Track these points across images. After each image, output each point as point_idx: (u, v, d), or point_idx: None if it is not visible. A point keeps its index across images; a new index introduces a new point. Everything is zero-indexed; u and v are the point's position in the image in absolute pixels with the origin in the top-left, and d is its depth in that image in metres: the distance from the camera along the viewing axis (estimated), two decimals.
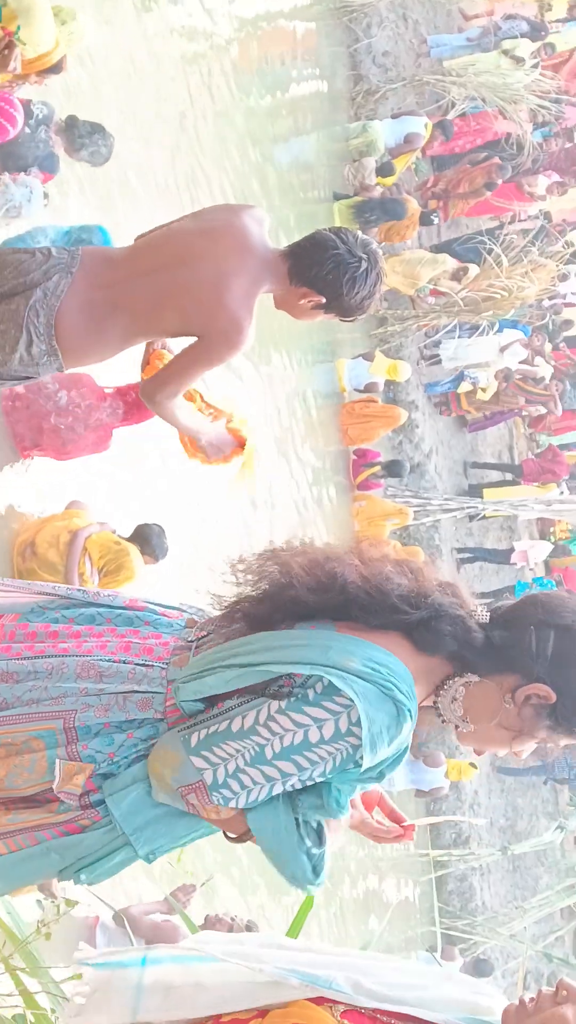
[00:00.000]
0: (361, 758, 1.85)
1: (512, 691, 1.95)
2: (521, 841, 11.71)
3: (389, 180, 11.01)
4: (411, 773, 10.18)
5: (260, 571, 2.04)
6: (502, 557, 13.21)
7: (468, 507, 12.15)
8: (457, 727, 2.00)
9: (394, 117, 11.43)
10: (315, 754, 1.86)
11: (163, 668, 2.02)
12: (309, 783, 1.91)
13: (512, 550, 13.20)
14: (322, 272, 2.98)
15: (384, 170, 10.78)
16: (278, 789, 1.90)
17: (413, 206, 11.12)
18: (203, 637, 2.07)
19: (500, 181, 12.39)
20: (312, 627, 1.96)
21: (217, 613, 2.14)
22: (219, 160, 7.30)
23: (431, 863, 10.71)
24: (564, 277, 13.40)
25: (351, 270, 2.98)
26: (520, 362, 12.70)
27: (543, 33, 13.53)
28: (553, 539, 14.02)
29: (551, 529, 14.27)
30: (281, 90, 9.26)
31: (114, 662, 2.02)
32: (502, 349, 12.45)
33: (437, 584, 2.00)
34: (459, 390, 12.49)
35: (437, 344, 12.24)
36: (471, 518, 12.80)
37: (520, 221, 13.49)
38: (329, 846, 1.99)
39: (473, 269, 11.75)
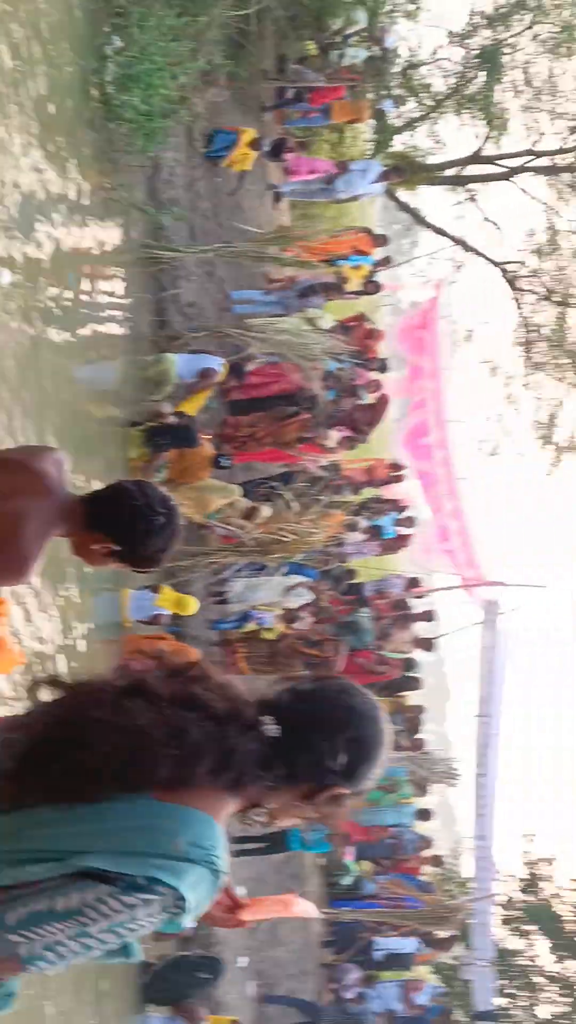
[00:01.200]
0: (181, 921, 1.96)
1: (309, 796, 2.10)
2: None
3: (188, 412, 11.36)
4: None
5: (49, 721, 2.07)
6: None
7: None
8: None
9: (191, 352, 11.88)
10: (138, 926, 1.91)
11: None
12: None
13: None
14: (119, 521, 3.03)
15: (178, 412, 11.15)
16: (95, 954, 1.91)
17: (207, 449, 11.46)
18: None
19: (309, 436, 13.05)
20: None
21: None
22: (19, 388, 7.38)
23: None
24: (352, 526, 13.95)
25: (148, 523, 3.02)
26: (302, 608, 12.87)
27: (336, 292, 14.56)
28: None
29: None
30: (86, 326, 9.55)
31: None
32: (287, 590, 12.69)
33: (225, 707, 2.08)
34: (243, 628, 12.59)
35: (225, 582, 12.39)
36: None
37: (310, 471, 14.07)
38: None
39: (264, 510, 12.09)
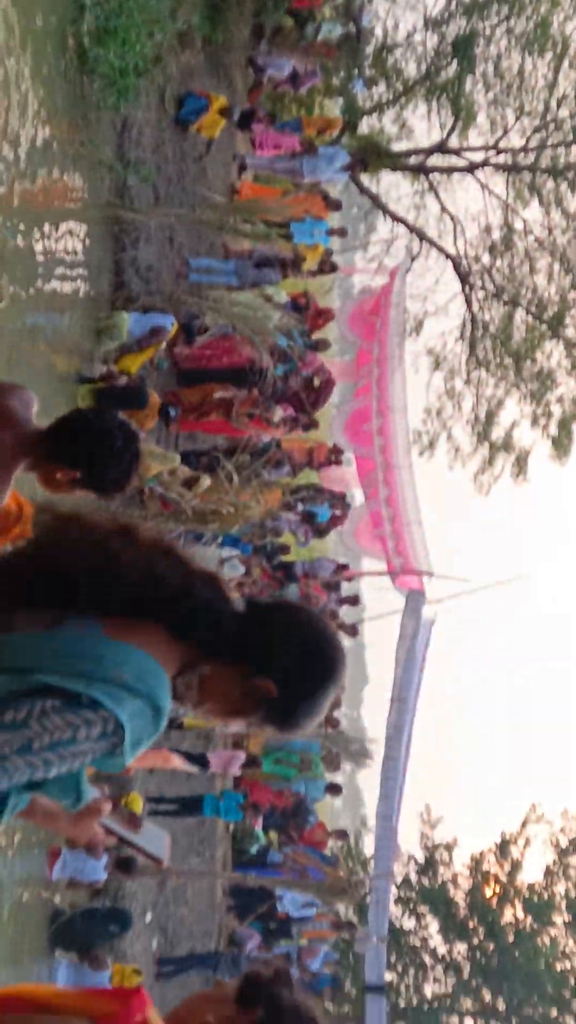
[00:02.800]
0: (122, 753, 2.03)
1: (243, 678, 2.19)
2: None
3: (132, 367, 11.34)
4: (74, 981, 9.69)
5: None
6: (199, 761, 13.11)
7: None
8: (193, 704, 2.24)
9: (143, 311, 11.85)
10: (79, 750, 1.99)
11: None
12: (66, 772, 2.03)
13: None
14: (78, 447, 3.08)
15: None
16: (39, 776, 1.98)
17: (154, 398, 11.46)
18: None
19: (256, 412, 13.09)
20: (81, 628, 2.10)
21: None
22: None
23: None
24: (288, 506, 14.06)
25: (107, 447, 3.08)
26: (232, 581, 12.96)
27: (293, 269, 14.59)
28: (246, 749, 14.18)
29: (244, 742, 14.42)
30: (44, 280, 9.49)
31: None
32: (221, 562, 12.75)
33: (200, 575, 2.22)
34: None
35: None
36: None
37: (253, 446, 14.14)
38: None
39: (205, 480, 12.14)
